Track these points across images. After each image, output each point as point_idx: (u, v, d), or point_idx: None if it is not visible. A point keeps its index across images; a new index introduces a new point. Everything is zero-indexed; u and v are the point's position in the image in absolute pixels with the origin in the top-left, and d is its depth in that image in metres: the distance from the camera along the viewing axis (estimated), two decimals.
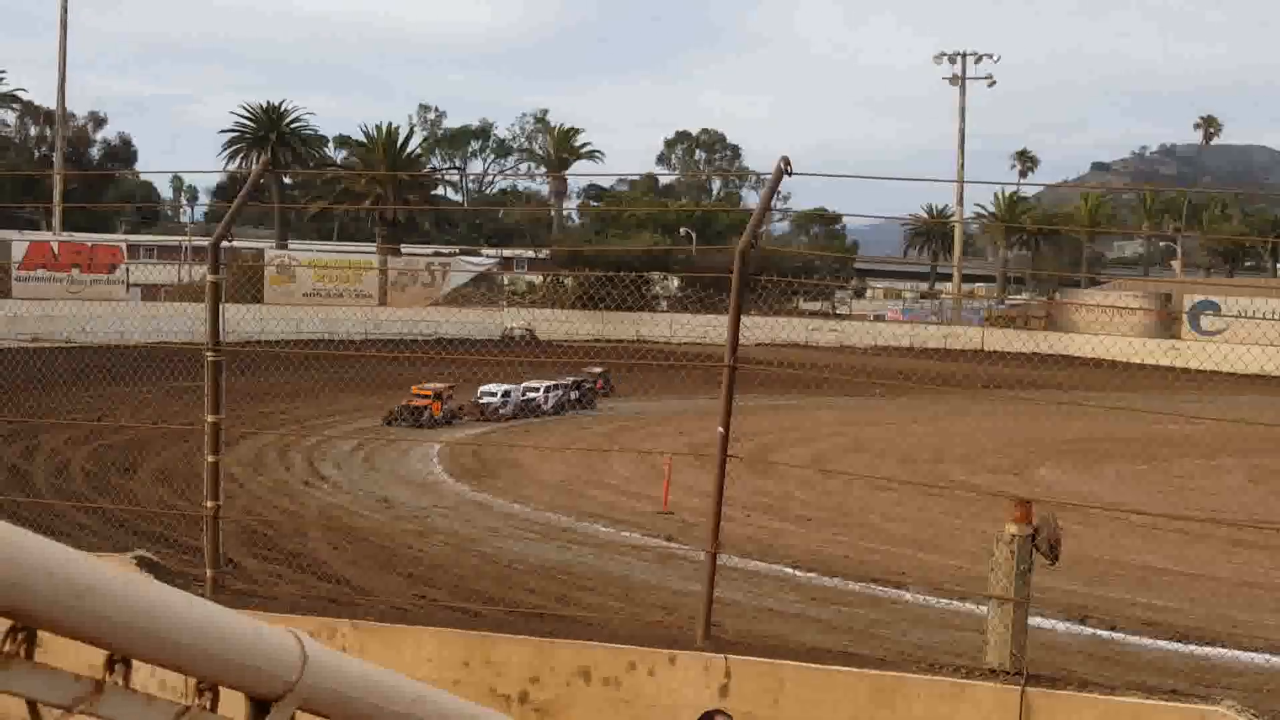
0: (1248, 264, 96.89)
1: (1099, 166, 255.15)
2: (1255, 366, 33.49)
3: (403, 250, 74.35)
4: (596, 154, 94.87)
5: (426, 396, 33.70)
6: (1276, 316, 49.14)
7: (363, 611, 9.82)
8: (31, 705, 1.45)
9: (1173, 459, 31.30)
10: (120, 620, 1.45)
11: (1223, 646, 15.64)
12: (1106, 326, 60.46)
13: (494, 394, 36.19)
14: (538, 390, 37.41)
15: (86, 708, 1.48)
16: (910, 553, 20.12)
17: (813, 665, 8.48)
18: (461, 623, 9.36)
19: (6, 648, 1.39)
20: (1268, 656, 15.25)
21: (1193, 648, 15.47)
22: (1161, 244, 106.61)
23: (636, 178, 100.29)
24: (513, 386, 36.76)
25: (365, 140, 79.55)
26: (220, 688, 1.67)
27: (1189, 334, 60.35)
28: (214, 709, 1.68)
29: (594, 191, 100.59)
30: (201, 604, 1.61)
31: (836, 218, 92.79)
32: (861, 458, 30.74)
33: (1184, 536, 21.59)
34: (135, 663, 1.57)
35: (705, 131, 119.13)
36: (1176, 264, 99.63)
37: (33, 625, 1.38)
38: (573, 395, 38.88)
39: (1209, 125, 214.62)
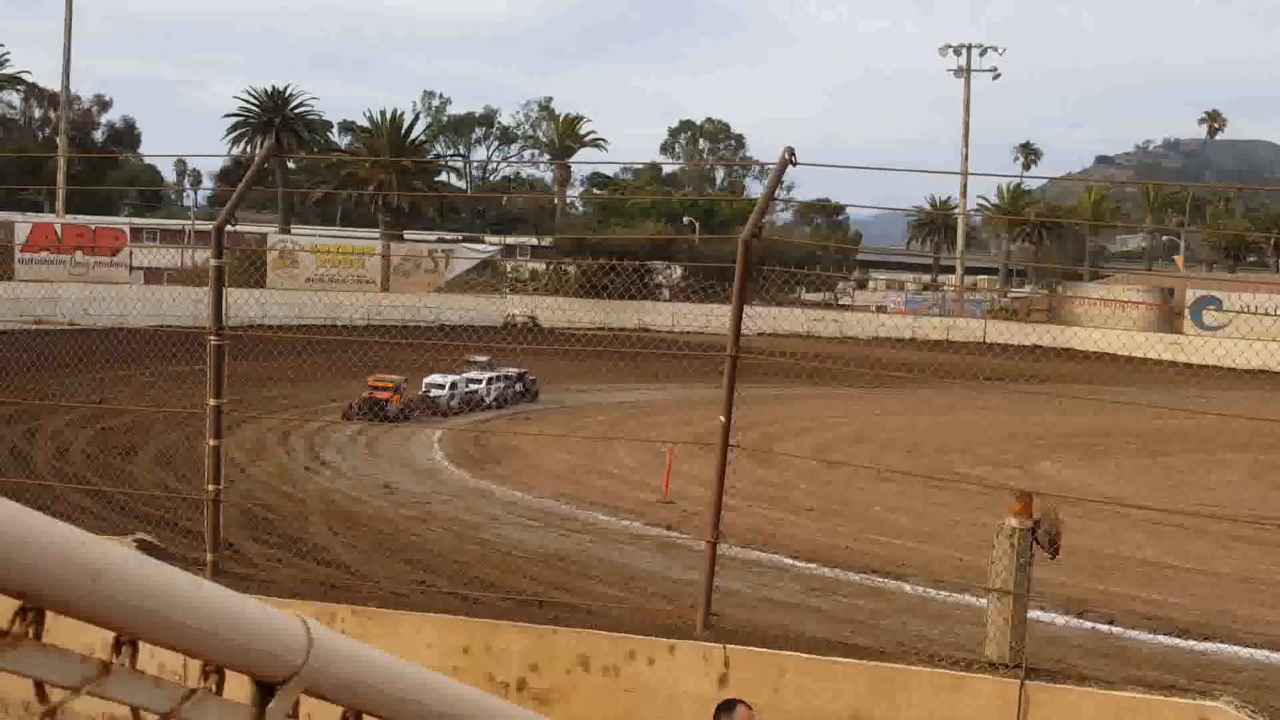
0: (1250, 259, 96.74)
1: (1102, 160, 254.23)
2: (1257, 362, 33.52)
3: (406, 236, 74.32)
4: (600, 142, 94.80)
5: (387, 388, 30.95)
6: (1278, 312, 49.09)
7: (362, 597, 9.85)
8: (39, 686, 1.46)
9: (1173, 453, 31.30)
10: (131, 603, 1.45)
11: (1222, 642, 15.65)
12: (1109, 320, 60.45)
13: (441, 386, 33.41)
14: (480, 382, 35.00)
15: (93, 689, 1.48)
16: (911, 544, 20.12)
17: (812, 656, 8.49)
18: (461, 609, 9.38)
19: (15, 628, 1.39)
20: (1267, 652, 15.26)
21: (1192, 643, 15.48)
22: (1164, 238, 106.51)
23: (640, 166, 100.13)
24: (458, 377, 34.35)
25: (370, 126, 79.49)
26: (226, 670, 1.68)
27: (1191, 329, 60.35)
28: (219, 691, 1.68)
29: (598, 180, 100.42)
30: (211, 587, 1.62)
31: (840, 208, 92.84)
32: (864, 449, 30.75)
33: (1184, 531, 21.58)
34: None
35: (709, 121, 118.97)
36: (1179, 258, 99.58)
37: (43, 607, 1.39)
38: (517, 388, 36.33)
39: (1213, 120, 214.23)
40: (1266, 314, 47.71)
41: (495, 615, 9.11)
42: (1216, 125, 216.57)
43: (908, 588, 17.57)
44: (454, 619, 8.69)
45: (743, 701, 5.46)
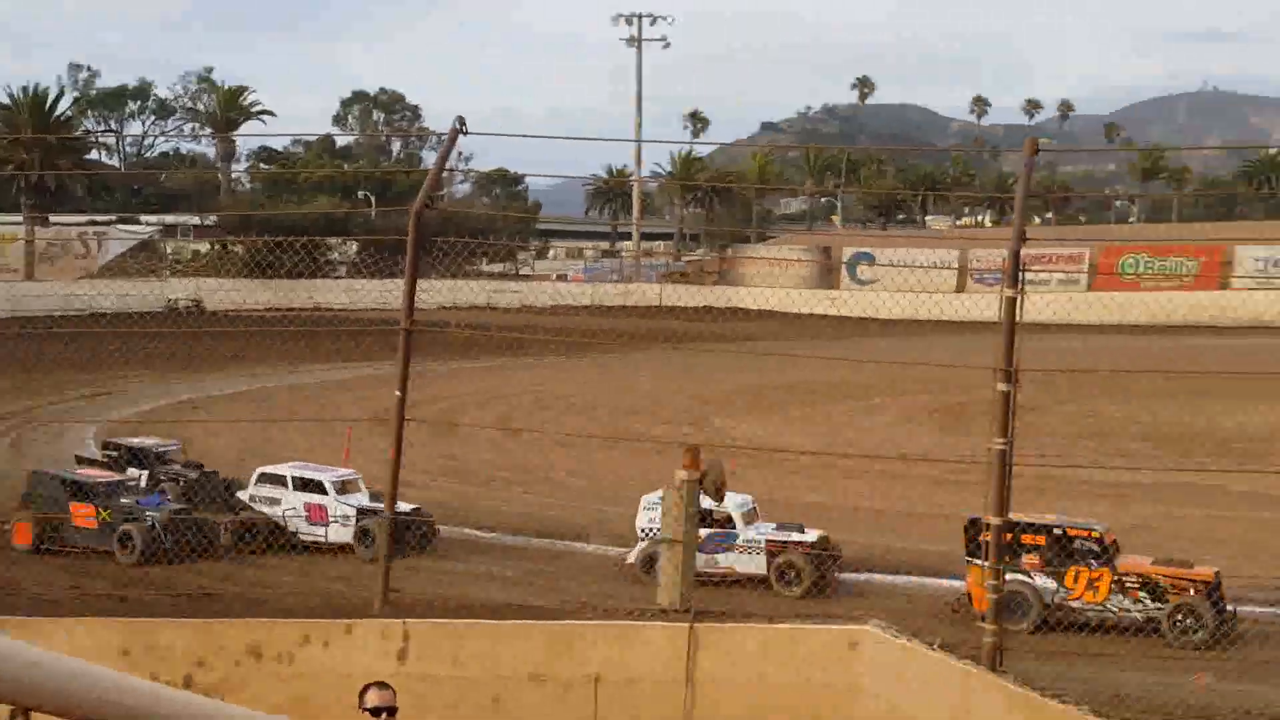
0: (900, 217, 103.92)
1: (768, 126, 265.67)
2: (909, 311, 35.99)
3: (52, 220, 69.14)
4: (267, 114, 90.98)
5: None
6: (923, 265, 53.13)
7: (9, 606, 9.19)
8: None
9: (833, 402, 33.29)
10: None
11: (876, 572, 16.98)
12: (773, 279, 63.62)
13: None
14: None
15: None
16: (593, 505, 20.62)
17: (488, 621, 8.61)
18: (119, 610, 8.94)
19: None
20: (917, 578, 16.69)
21: (852, 575, 16.74)
22: (824, 200, 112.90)
23: (311, 139, 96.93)
24: None
25: (10, 103, 73.30)
26: None
27: (847, 283, 64.22)
28: None
29: (265, 154, 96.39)
30: None
31: (518, 178, 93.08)
32: (546, 415, 31.15)
33: (841, 473, 23.08)
34: None
35: (384, 91, 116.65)
36: (836, 218, 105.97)
37: None
38: None
39: (864, 86, 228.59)
40: (915, 267, 51.48)
41: (161, 614, 8.74)
42: (867, 90, 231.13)
43: (589, 548, 18.08)
44: (109, 621, 8.29)
45: (380, 683, 5.51)
